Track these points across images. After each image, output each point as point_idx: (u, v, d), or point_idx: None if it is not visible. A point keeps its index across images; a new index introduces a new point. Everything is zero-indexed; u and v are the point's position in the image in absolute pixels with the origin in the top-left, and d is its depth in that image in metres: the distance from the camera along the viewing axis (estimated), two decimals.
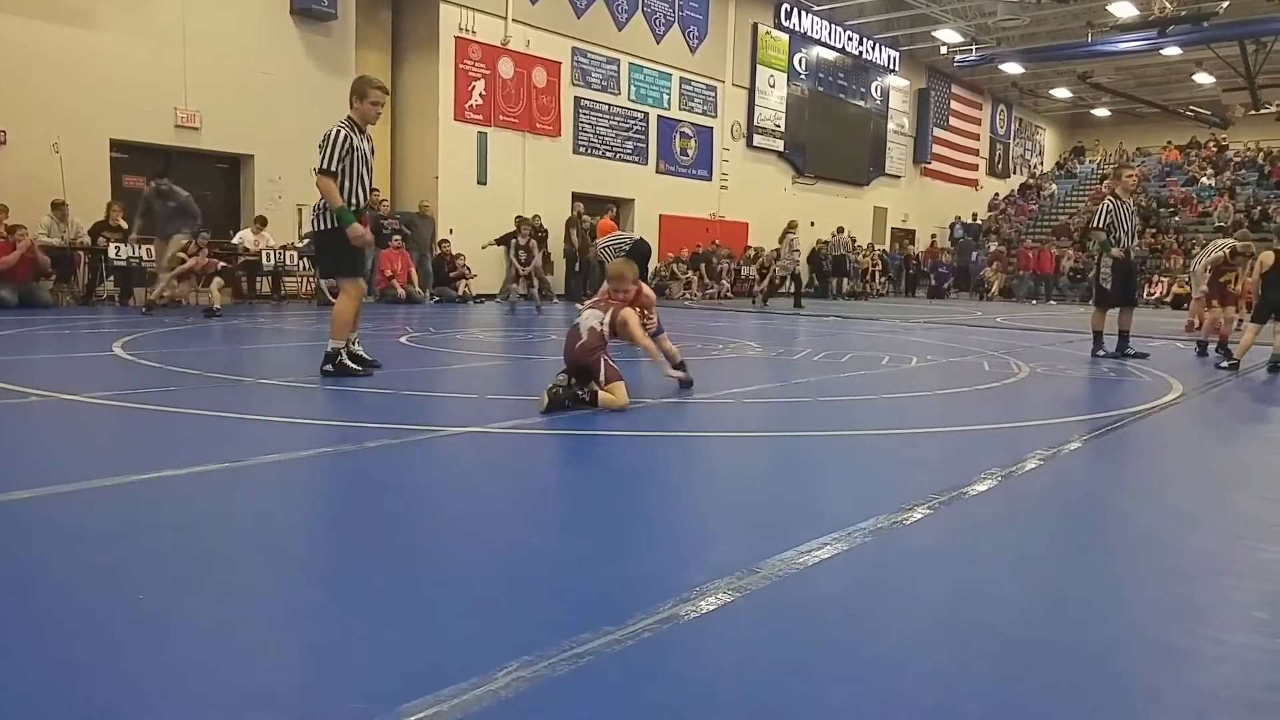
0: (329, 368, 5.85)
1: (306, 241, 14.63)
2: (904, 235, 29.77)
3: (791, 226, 18.94)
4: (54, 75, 12.58)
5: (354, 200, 5.84)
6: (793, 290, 19.28)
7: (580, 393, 4.94)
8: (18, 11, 12.25)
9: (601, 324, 5.13)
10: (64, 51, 12.63)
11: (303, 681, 1.86)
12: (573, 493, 3.58)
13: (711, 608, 2.23)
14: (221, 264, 12.20)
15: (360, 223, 5.83)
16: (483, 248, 16.21)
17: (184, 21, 13.86)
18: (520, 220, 15.67)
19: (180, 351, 7.31)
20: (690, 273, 21.37)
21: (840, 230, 24.24)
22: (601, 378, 4.99)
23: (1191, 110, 30.55)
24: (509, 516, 3.14)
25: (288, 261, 14.65)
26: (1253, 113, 27.37)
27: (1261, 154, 30.85)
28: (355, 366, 5.91)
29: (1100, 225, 9.04)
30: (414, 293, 15.65)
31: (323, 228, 5.91)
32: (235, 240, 14.27)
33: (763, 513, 3.27)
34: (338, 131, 5.77)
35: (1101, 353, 9.08)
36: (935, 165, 30.80)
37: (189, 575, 2.42)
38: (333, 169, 5.71)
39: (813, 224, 24.66)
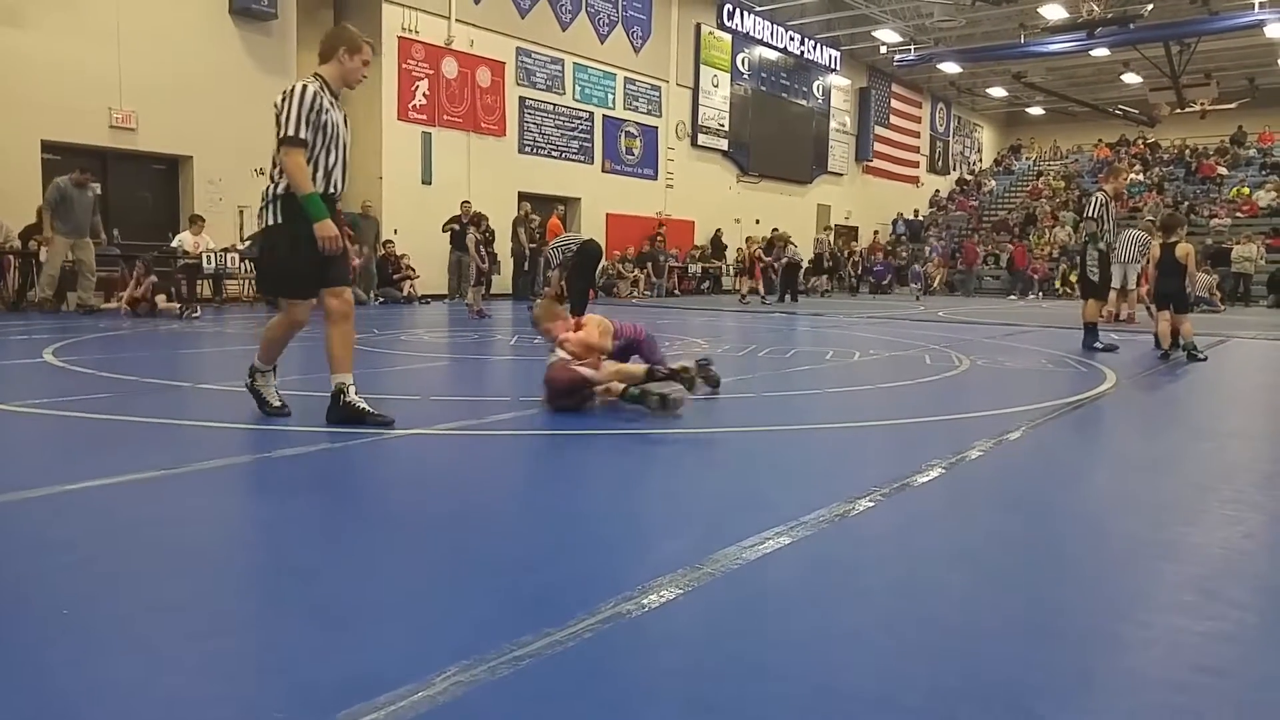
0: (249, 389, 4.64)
1: (249, 244, 14.41)
2: (847, 232, 30.18)
3: (783, 238, 19.97)
4: None
5: (330, 186, 4.30)
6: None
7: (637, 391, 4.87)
8: None
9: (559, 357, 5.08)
10: None
11: (236, 692, 1.81)
12: (513, 494, 3.54)
13: (655, 604, 2.22)
14: (153, 279, 12.05)
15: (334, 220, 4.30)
16: (442, 228, 16.14)
17: (118, 20, 13.56)
18: (477, 213, 15.32)
19: (115, 358, 7.10)
20: (637, 271, 21.45)
21: (828, 229, 24.69)
22: (594, 385, 4.97)
23: (1120, 109, 31.46)
24: (449, 519, 3.09)
25: (229, 264, 14.31)
26: (1178, 111, 28.26)
27: (1188, 151, 31.86)
28: (274, 403, 4.61)
29: (1093, 216, 9.11)
30: (357, 294, 15.42)
31: (270, 222, 4.30)
32: (174, 243, 13.93)
33: (707, 508, 3.27)
34: (304, 88, 4.23)
35: (1098, 345, 9.03)
36: (877, 163, 31.32)
37: (115, 587, 2.34)
38: (301, 135, 4.15)
39: (757, 221, 24.98)
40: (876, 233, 30.06)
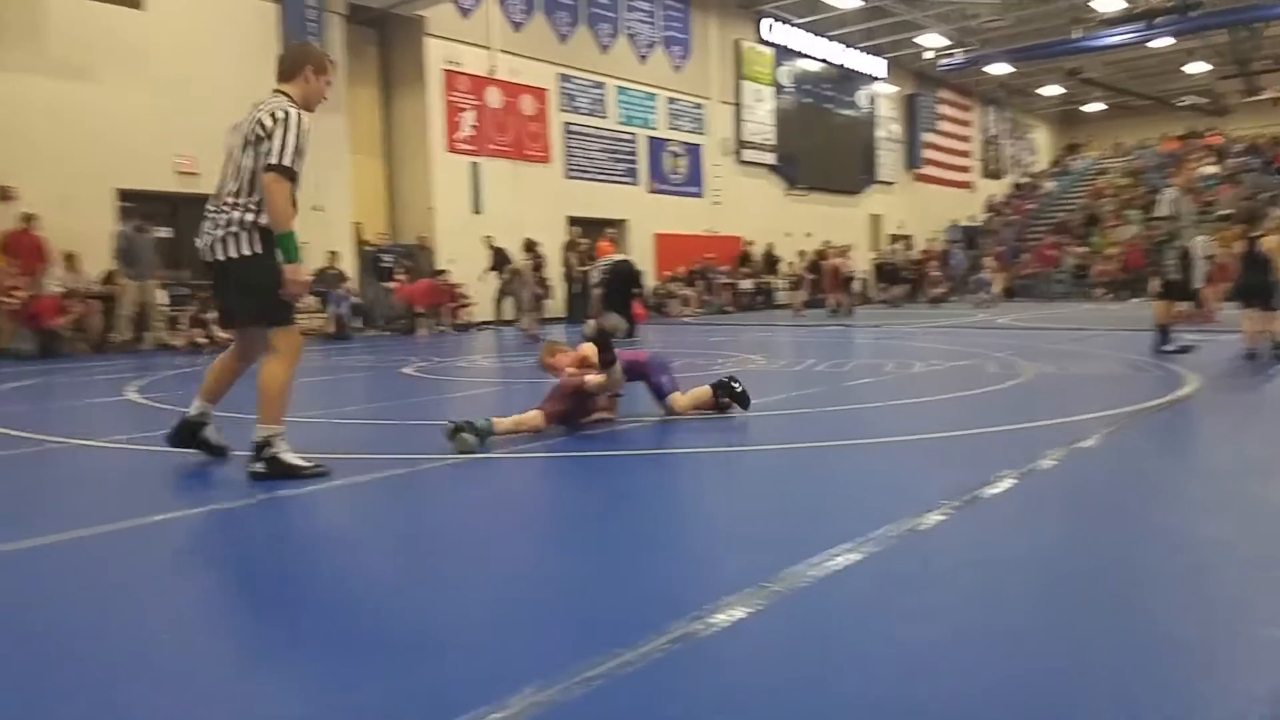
0: (259, 467, 3.91)
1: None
2: (900, 241, 29.51)
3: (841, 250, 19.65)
4: (59, 128, 12.77)
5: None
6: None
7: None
8: (26, 69, 12.50)
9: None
10: (68, 105, 12.87)
11: (314, 715, 1.82)
12: (580, 514, 3.53)
13: (726, 623, 2.19)
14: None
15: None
16: (480, 278, 16.51)
17: (181, 70, 13.98)
18: (529, 240, 15.77)
19: (191, 394, 7.28)
20: (688, 289, 21.43)
21: (900, 238, 24.36)
22: (597, 398, 5.04)
23: (1186, 100, 30.54)
24: (517, 541, 3.10)
25: None
26: (1249, 99, 27.32)
27: (1264, 140, 30.75)
28: (301, 464, 3.94)
29: (1169, 214, 8.74)
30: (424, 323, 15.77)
31: (244, 253, 3.90)
32: None
33: (773, 526, 3.22)
34: (299, 115, 3.90)
35: (1170, 347, 8.63)
36: (928, 170, 30.91)
37: (198, 613, 2.39)
38: (295, 168, 3.85)
39: (808, 235, 24.75)
40: (930, 241, 29.53)
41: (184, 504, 3.80)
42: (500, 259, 16.52)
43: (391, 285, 16.28)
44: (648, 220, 21.68)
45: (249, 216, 3.91)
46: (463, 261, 17.27)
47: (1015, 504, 3.40)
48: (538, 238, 16.57)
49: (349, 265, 15.97)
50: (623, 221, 20.96)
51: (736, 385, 5.28)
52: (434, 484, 4.02)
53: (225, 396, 4.34)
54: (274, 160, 3.80)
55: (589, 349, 5.13)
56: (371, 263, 16.32)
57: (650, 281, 20.60)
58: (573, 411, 4.99)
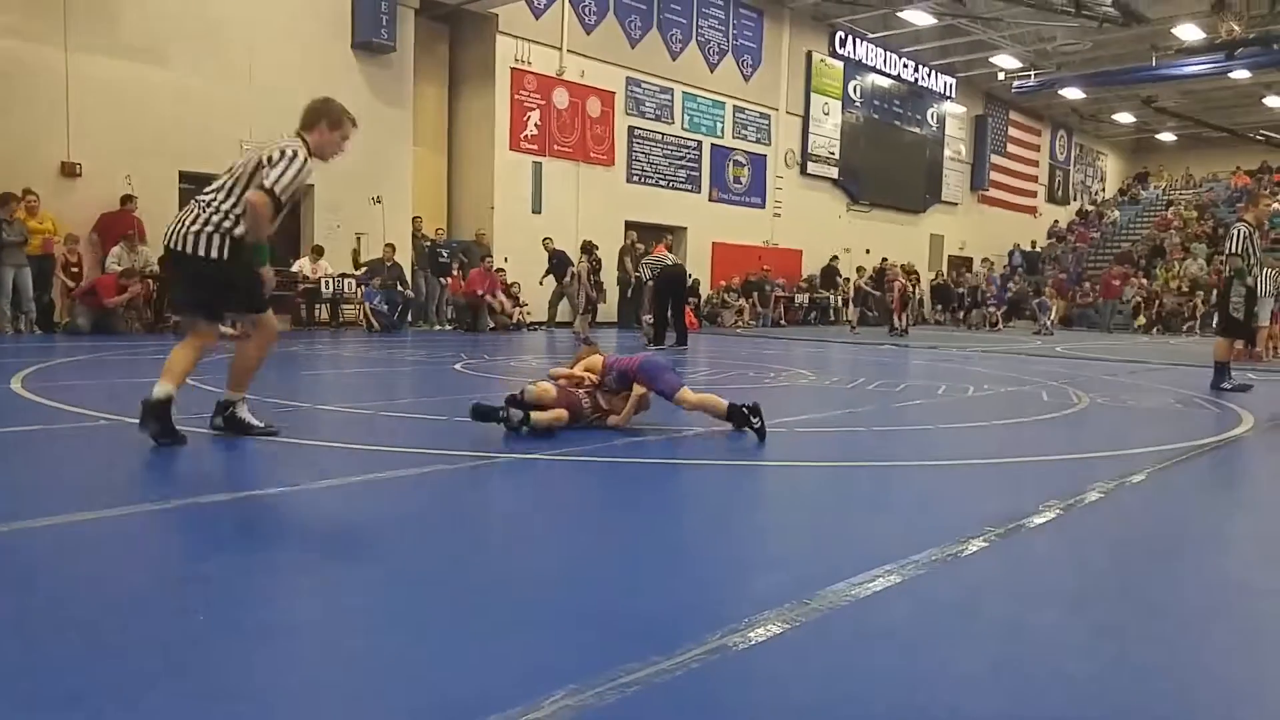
0: (219, 422, 4.66)
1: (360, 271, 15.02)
2: (961, 263, 29.36)
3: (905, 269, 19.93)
4: (127, 109, 13.07)
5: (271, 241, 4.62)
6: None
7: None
8: (96, 50, 12.77)
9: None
10: (136, 86, 13.16)
11: (348, 716, 1.87)
12: (621, 520, 3.55)
13: (762, 638, 2.20)
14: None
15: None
16: (540, 282, 16.66)
17: (250, 56, 14.26)
18: (586, 242, 15.69)
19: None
20: (741, 300, 21.34)
21: (988, 261, 25.16)
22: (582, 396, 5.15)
23: (1262, 134, 29.71)
24: (556, 544, 3.14)
25: (345, 289, 15.08)
26: None
27: None
28: (255, 422, 4.67)
29: (1238, 251, 8.58)
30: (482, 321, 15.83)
31: (212, 256, 4.34)
32: (294, 268, 14.65)
33: (814, 543, 3.22)
34: (305, 161, 4.43)
35: (1227, 385, 8.53)
36: (993, 192, 30.44)
37: (232, 600, 2.46)
38: (282, 200, 4.35)
39: (868, 251, 24.62)
40: (990, 264, 29.04)
41: (208, 490, 3.89)
42: (561, 262, 16.50)
43: (446, 281, 16.44)
44: (706, 228, 21.65)
45: (226, 224, 4.36)
46: (518, 260, 17.38)
47: (1059, 536, 3.35)
48: (595, 240, 16.58)
49: (405, 259, 16.06)
50: (682, 229, 20.95)
51: (755, 421, 5.04)
52: (480, 482, 4.07)
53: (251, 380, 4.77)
54: (268, 184, 4.29)
55: (593, 361, 5.28)
56: (429, 257, 16.45)
57: (704, 290, 20.73)
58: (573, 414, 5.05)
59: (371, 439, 4.91)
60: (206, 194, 4.44)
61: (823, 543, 3.22)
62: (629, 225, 19.35)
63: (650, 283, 13.15)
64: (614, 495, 3.97)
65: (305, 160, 4.39)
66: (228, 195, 4.38)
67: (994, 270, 28.41)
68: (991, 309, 24.89)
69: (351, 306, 15.45)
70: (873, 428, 5.92)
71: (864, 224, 25.66)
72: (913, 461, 4.84)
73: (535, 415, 4.84)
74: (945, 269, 28.00)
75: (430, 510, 3.54)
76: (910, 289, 20.59)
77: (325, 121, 4.56)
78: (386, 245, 15.46)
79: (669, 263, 13.26)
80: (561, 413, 4.94)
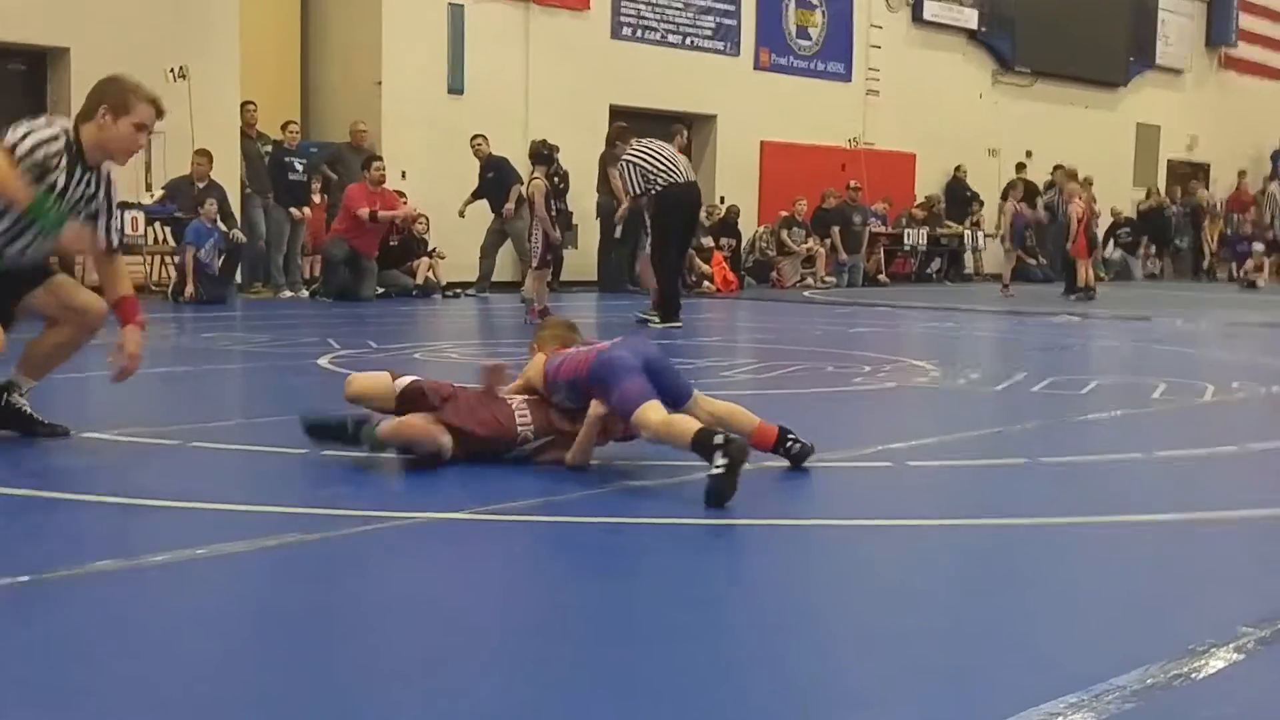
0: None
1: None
2: (1189, 174, 22.11)
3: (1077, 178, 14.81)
4: None
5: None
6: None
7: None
8: None
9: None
10: None
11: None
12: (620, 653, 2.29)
13: None
14: None
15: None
16: (460, 213, 12.63)
17: None
18: (540, 141, 10.83)
19: None
20: (812, 241, 16.17)
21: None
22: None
23: None
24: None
25: (126, 228, 11.35)
26: None
27: None
28: (37, 417, 4.19)
29: None
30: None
31: None
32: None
33: (946, 659, 2.32)
34: (52, 139, 3.68)
35: None
36: (1244, 50, 23.48)
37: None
38: (15, 152, 3.69)
39: (1029, 154, 19.42)
40: (1243, 175, 21.93)
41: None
42: (500, 178, 12.30)
43: (303, 214, 12.24)
44: (751, 118, 16.22)
45: None
46: (424, 176, 12.92)
47: None
48: (558, 141, 11.41)
49: (228, 176, 11.97)
50: (709, 118, 15.65)
51: (792, 444, 3.92)
52: (360, 568, 2.88)
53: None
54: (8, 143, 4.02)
55: (533, 366, 4.18)
56: (272, 173, 12.42)
57: (746, 225, 15.62)
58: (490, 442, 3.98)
59: (178, 486, 3.69)
60: None
61: (961, 659, 2.28)
62: (616, 113, 14.35)
63: (646, 203, 9.77)
64: (584, 588, 2.76)
65: (48, 141, 3.73)
66: None
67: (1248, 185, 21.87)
68: (1257, 249, 18.86)
69: (137, 258, 11.51)
70: (1040, 459, 4.52)
71: (1022, 108, 19.58)
72: (1109, 515, 3.60)
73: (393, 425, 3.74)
74: (1163, 181, 21.49)
75: (279, 637, 2.37)
76: (1093, 216, 15.61)
77: (105, 106, 3.91)
78: (197, 153, 11.61)
79: (680, 178, 9.59)
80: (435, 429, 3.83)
